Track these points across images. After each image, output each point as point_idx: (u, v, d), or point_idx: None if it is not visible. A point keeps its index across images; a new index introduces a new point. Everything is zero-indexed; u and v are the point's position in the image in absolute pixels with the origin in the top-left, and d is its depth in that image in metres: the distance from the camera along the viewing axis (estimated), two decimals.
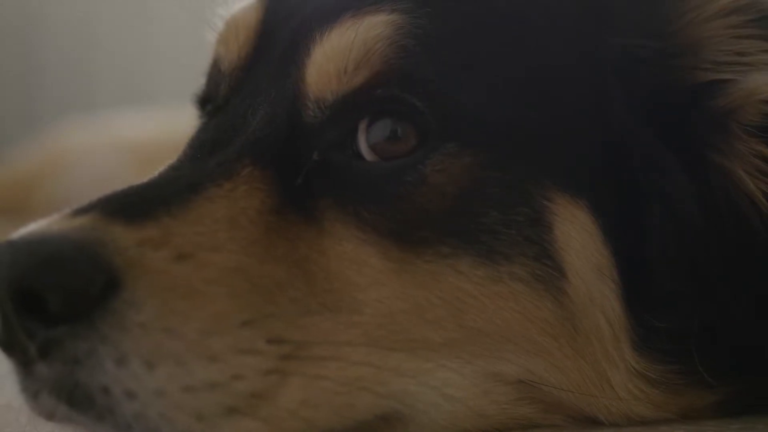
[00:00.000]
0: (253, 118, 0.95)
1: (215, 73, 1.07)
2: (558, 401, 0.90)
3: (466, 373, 0.88)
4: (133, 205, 0.87)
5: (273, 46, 1.00)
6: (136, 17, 4.83)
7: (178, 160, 0.95)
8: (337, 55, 0.92)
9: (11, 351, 0.84)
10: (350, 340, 0.86)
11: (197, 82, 1.13)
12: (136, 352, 0.81)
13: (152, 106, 3.42)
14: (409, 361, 0.87)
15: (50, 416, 0.85)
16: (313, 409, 0.84)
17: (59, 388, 0.82)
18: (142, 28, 4.81)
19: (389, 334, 0.87)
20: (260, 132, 0.93)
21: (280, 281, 0.86)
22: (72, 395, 0.82)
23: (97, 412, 0.82)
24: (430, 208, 0.89)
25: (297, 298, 0.86)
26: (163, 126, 3.00)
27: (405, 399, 0.87)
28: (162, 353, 0.81)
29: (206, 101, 1.11)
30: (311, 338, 0.85)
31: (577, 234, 0.90)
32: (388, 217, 0.89)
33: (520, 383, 0.90)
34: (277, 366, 0.84)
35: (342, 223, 0.89)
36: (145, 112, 3.37)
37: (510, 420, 0.90)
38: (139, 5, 4.82)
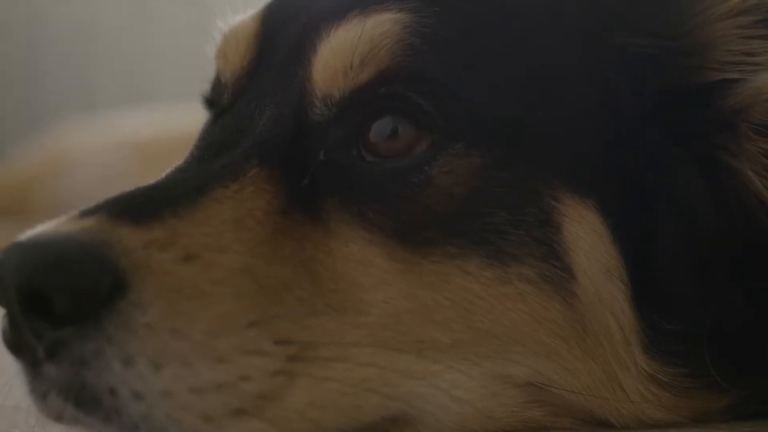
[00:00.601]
0: (260, 119, 0.95)
1: (217, 85, 1.07)
2: (568, 404, 0.90)
3: (474, 375, 0.88)
4: (140, 206, 0.86)
5: (276, 49, 1.00)
6: (135, 17, 4.83)
7: (185, 161, 0.95)
8: (343, 51, 0.92)
9: (19, 352, 0.84)
10: (357, 341, 0.86)
11: (197, 81, 1.13)
12: (142, 353, 0.81)
13: (152, 105, 3.43)
14: (416, 363, 0.87)
15: (58, 417, 0.85)
16: (320, 411, 0.84)
17: (67, 389, 0.82)
18: (141, 29, 4.81)
19: (396, 335, 0.86)
20: (267, 133, 0.93)
21: (287, 282, 0.86)
22: (79, 396, 0.82)
23: (105, 413, 0.82)
24: (437, 209, 0.89)
25: (303, 299, 0.86)
26: (165, 124, 3.01)
27: (412, 401, 0.87)
28: (168, 354, 0.81)
29: (213, 103, 1.11)
30: (318, 339, 0.85)
31: (585, 234, 0.90)
32: (394, 218, 0.89)
33: (530, 385, 0.89)
34: (284, 367, 0.84)
35: (348, 223, 0.89)
36: (146, 110, 3.37)
37: (519, 422, 0.90)
38: (138, 6, 4.82)
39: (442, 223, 0.89)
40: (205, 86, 1.13)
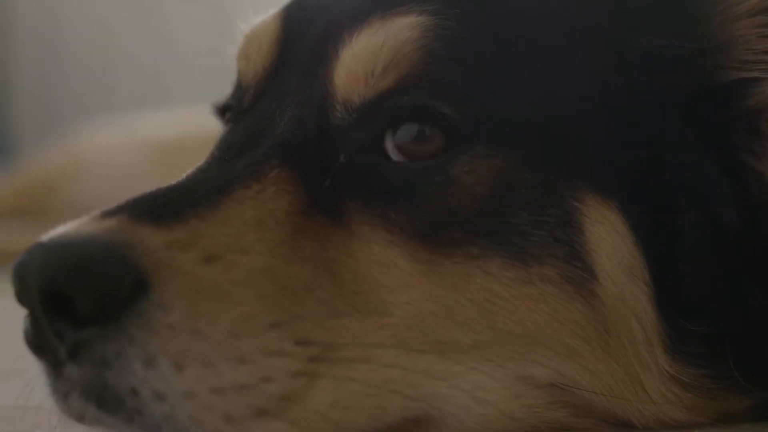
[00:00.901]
0: (281, 120, 0.95)
1: (238, 87, 1.07)
2: (590, 405, 0.90)
3: (497, 376, 0.88)
4: (161, 207, 0.86)
5: (298, 50, 1.00)
6: (151, 19, 4.85)
7: (206, 162, 0.95)
8: (365, 57, 0.92)
9: (41, 353, 0.84)
10: (380, 342, 0.85)
11: (213, 83, 1.13)
12: (164, 354, 0.81)
13: (169, 107, 3.44)
14: (439, 364, 0.86)
15: (80, 418, 0.85)
16: (342, 412, 0.84)
17: (88, 389, 0.82)
18: (157, 30, 4.83)
19: (419, 336, 0.86)
20: (288, 133, 0.93)
21: (308, 282, 0.86)
22: (101, 397, 0.82)
23: (126, 414, 0.82)
24: (459, 210, 0.89)
25: (325, 300, 0.86)
26: (185, 125, 3.01)
27: (435, 402, 0.86)
28: (190, 355, 0.81)
29: (227, 110, 1.11)
30: (340, 340, 0.85)
31: (607, 235, 0.89)
32: (416, 218, 0.89)
33: (552, 386, 0.89)
34: (306, 368, 0.83)
35: (370, 225, 0.89)
36: (165, 112, 3.38)
37: (541, 423, 0.89)
38: (154, 7, 4.84)
39: (463, 223, 0.89)
40: (220, 90, 1.13)
